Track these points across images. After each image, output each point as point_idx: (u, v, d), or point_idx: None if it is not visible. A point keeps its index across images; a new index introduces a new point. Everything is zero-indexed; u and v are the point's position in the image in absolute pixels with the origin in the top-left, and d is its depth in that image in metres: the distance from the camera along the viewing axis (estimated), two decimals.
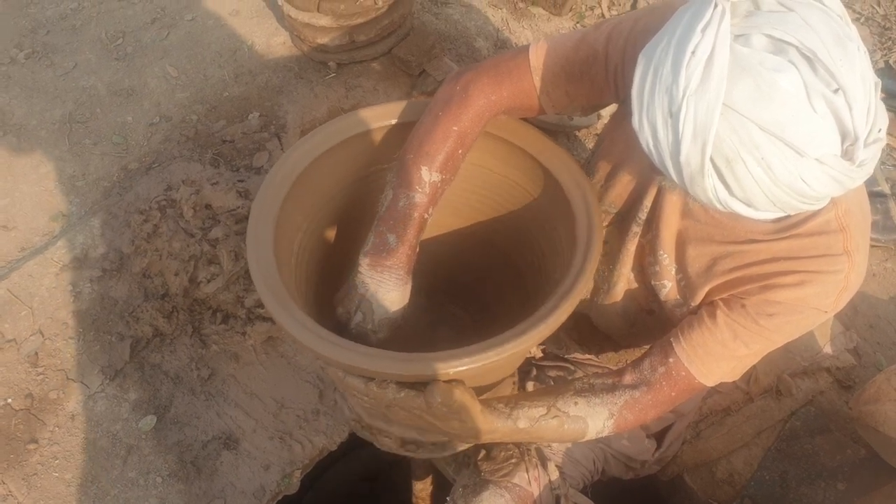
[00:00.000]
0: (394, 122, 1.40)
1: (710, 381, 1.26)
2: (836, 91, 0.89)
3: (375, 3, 2.46)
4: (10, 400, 1.97)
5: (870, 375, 2.03)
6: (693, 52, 0.91)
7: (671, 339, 1.27)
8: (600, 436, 1.29)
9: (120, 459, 1.89)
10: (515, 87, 1.29)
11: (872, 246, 2.44)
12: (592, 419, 1.26)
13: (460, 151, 1.29)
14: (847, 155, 0.94)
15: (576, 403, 1.26)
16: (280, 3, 2.57)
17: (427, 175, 1.26)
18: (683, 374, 1.25)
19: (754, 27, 0.91)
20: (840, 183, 0.95)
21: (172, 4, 2.91)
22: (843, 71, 0.89)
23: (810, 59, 0.89)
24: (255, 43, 2.77)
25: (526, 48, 1.29)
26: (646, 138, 1.01)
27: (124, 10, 2.91)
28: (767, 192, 0.95)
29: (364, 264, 1.25)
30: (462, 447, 1.41)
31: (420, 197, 1.26)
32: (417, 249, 1.29)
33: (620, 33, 1.21)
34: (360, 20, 2.50)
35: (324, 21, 2.48)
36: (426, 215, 1.28)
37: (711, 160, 0.95)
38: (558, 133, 2.58)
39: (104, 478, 1.87)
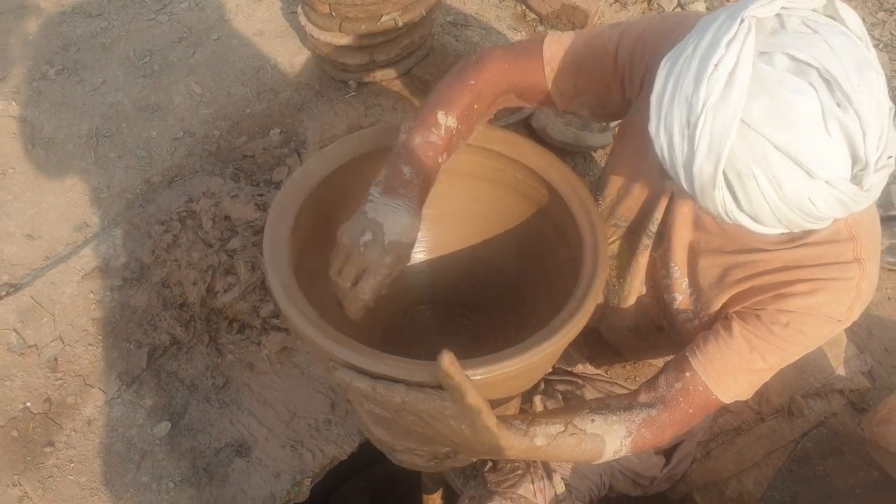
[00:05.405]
0: None
1: (726, 397, 1.24)
2: (851, 117, 0.90)
3: (396, 24, 2.51)
4: (28, 404, 2.01)
5: (884, 398, 2.01)
6: (716, 66, 0.92)
7: (686, 354, 1.25)
8: (618, 455, 1.25)
9: (134, 464, 1.92)
10: (528, 66, 1.32)
11: (889, 269, 2.43)
12: (610, 437, 1.22)
13: (476, 106, 1.31)
14: (856, 179, 0.95)
15: (592, 421, 1.22)
16: (303, 24, 2.63)
17: (443, 119, 1.26)
18: (700, 388, 1.23)
19: (778, 46, 0.92)
20: (845, 206, 0.97)
21: (199, 24, 2.99)
22: (860, 97, 0.90)
23: (829, 83, 0.90)
24: (278, 62, 2.84)
25: (543, 38, 1.33)
26: (661, 145, 1.02)
27: (152, 29, 2.99)
28: (774, 208, 0.97)
29: (376, 192, 1.21)
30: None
31: (436, 138, 1.25)
32: (429, 191, 1.27)
33: (632, 33, 1.25)
34: (380, 40, 2.55)
35: (345, 41, 2.54)
36: (440, 159, 1.27)
37: (724, 173, 0.96)
38: (574, 153, 2.60)
39: (118, 482, 1.90)
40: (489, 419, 1.10)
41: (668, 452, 1.72)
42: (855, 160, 0.94)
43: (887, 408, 1.80)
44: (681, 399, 1.24)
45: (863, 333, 2.26)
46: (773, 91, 0.91)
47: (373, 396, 1.09)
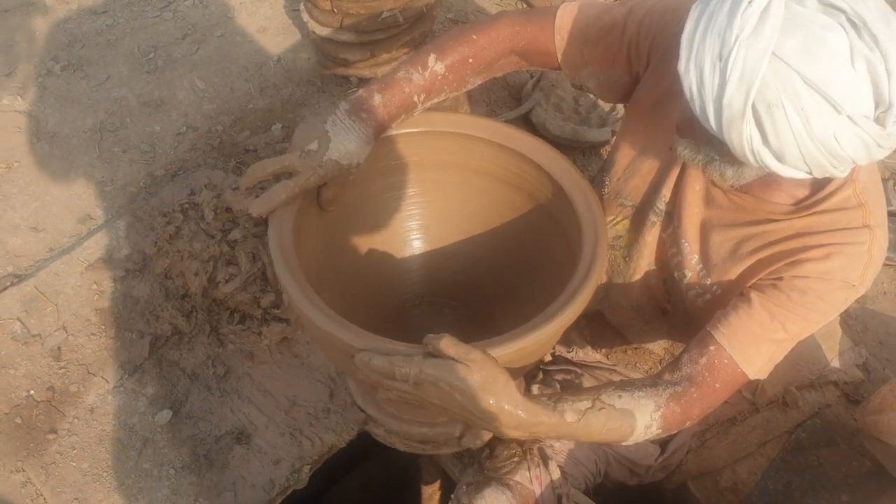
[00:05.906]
0: (414, 130, 1.44)
1: (750, 370, 1.23)
2: (878, 57, 0.94)
3: (397, 20, 2.54)
4: (32, 392, 2.04)
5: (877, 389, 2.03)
6: (750, 2, 0.97)
7: (709, 329, 1.25)
8: (649, 433, 1.22)
9: (135, 451, 1.95)
10: (539, 31, 1.37)
11: (885, 265, 2.44)
12: (640, 412, 1.19)
13: (471, 61, 1.35)
14: (879, 121, 0.98)
15: (620, 396, 1.19)
16: (305, 20, 2.66)
17: (432, 62, 1.33)
18: (726, 361, 1.23)
19: None
20: (867, 148, 1.00)
21: (203, 21, 3.02)
22: (886, 41, 0.94)
23: (857, 26, 0.94)
24: (281, 58, 2.87)
25: (557, 7, 1.37)
26: (689, 82, 1.04)
27: (156, 26, 3.02)
28: (801, 144, 0.99)
29: (342, 109, 1.29)
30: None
31: (418, 77, 1.32)
32: (392, 125, 1.34)
33: (641, 8, 1.30)
34: (381, 36, 2.58)
35: (346, 37, 2.56)
36: (416, 98, 1.33)
37: (753, 105, 0.99)
38: (573, 148, 2.62)
39: (119, 468, 1.92)
40: (515, 392, 1.08)
41: (663, 442, 1.74)
42: (879, 101, 0.97)
43: (880, 398, 1.82)
44: (707, 374, 1.23)
45: (858, 327, 2.29)
46: (806, 29, 0.95)
47: (391, 372, 1.08)
